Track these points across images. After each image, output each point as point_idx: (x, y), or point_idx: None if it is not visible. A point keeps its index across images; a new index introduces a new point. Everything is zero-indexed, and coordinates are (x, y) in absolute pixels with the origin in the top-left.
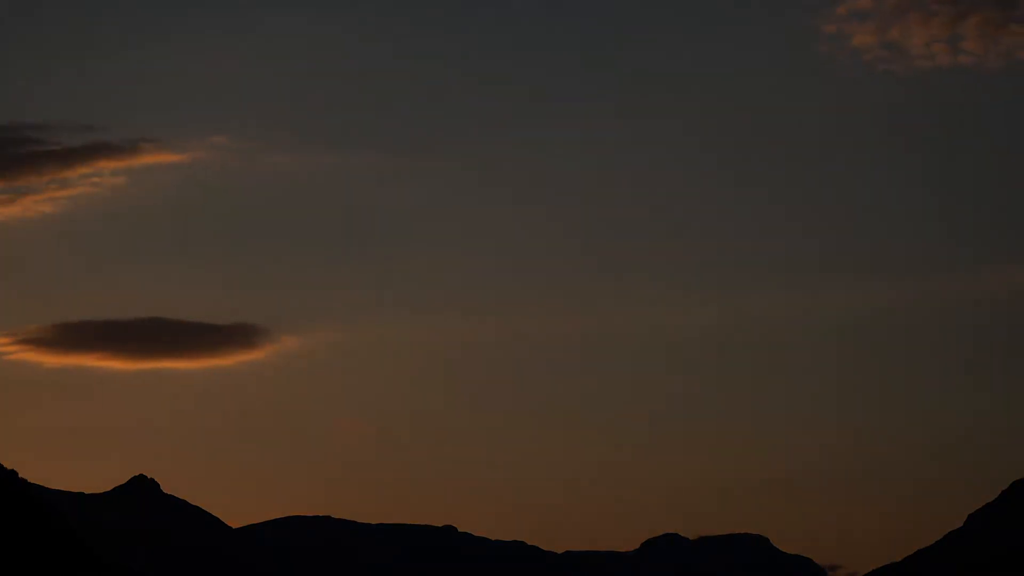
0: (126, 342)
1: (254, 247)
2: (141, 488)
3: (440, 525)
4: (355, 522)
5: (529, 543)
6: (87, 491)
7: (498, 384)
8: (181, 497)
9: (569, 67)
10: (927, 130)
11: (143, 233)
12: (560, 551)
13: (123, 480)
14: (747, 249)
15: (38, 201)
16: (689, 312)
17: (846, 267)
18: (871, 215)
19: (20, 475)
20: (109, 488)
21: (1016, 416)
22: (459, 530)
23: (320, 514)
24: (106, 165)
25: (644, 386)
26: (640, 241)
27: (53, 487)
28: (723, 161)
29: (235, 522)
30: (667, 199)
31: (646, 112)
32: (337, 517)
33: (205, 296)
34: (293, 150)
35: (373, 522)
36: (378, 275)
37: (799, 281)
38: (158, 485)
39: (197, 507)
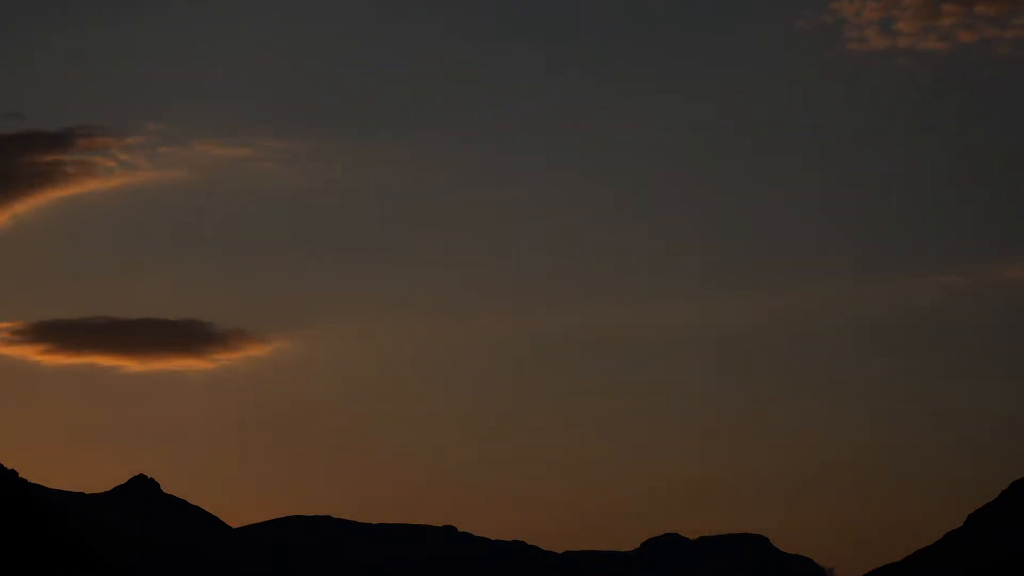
0: (124, 342)
1: (244, 246)
2: (141, 488)
3: (440, 525)
4: (355, 522)
5: (529, 543)
6: (87, 491)
7: (498, 384)
8: (181, 497)
9: (568, 61)
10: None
11: (148, 231)
12: (560, 551)
13: (123, 480)
14: (746, 249)
15: None
16: (689, 312)
17: (845, 268)
18: (866, 214)
19: (20, 475)
20: (109, 488)
21: (1016, 416)
22: (459, 530)
23: (320, 514)
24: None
25: (644, 386)
26: (639, 240)
27: (53, 487)
28: (712, 159)
29: (235, 522)
30: (659, 198)
31: (636, 108)
32: (337, 517)
33: (194, 296)
34: (244, 139)
35: (373, 522)
36: (373, 273)
37: (797, 282)
38: (158, 485)
39: (197, 507)
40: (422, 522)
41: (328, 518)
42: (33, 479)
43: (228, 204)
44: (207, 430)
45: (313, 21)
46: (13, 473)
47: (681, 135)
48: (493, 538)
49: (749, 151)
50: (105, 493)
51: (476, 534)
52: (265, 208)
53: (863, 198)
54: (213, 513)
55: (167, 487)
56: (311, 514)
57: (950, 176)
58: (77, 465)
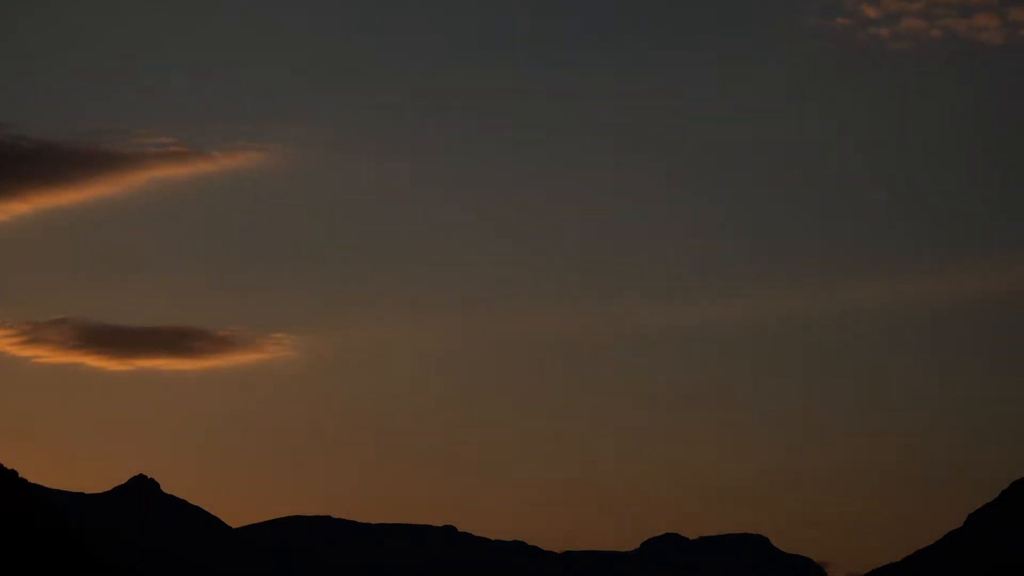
0: (125, 343)
1: (233, 248)
2: (141, 488)
3: (440, 525)
4: (355, 522)
5: (529, 543)
6: (87, 491)
7: (498, 384)
8: (181, 497)
9: (565, 63)
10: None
11: (155, 235)
12: (560, 551)
13: (123, 480)
14: (746, 248)
15: None
16: (689, 311)
17: (845, 266)
18: (864, 212)
19: (20, 475)
20: (109, 488)
21: (1016, 416)
22: (459, 530)
23: (320, 514)
24: None
25: (645, 385)
26: (637, 240)
27: (53, 487)
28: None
29: (235, 522)
30: (653, 199)
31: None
32: (337, 517)
33: (195, 297)
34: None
35: (373, 522)
36: (372, 274)
37: (798, 280)
38: (158, 485)
39: (197, 507)
40: (422, 522)
41: (328, 518)
42: (33, 479)
43: (216, 206)
44: (207, 430)
45: (315, 16)
46: (13, 473)
47: (679, 136)
48: (493, 538)
49: (739, 150)
50: (105, 493)
51: (476, 534)
52: (257, 209)
53: (860, 197)
54: (213, 513)
55: (167, 487)
56: (311, 514)
57: (955, 177)
58: (77, 465)
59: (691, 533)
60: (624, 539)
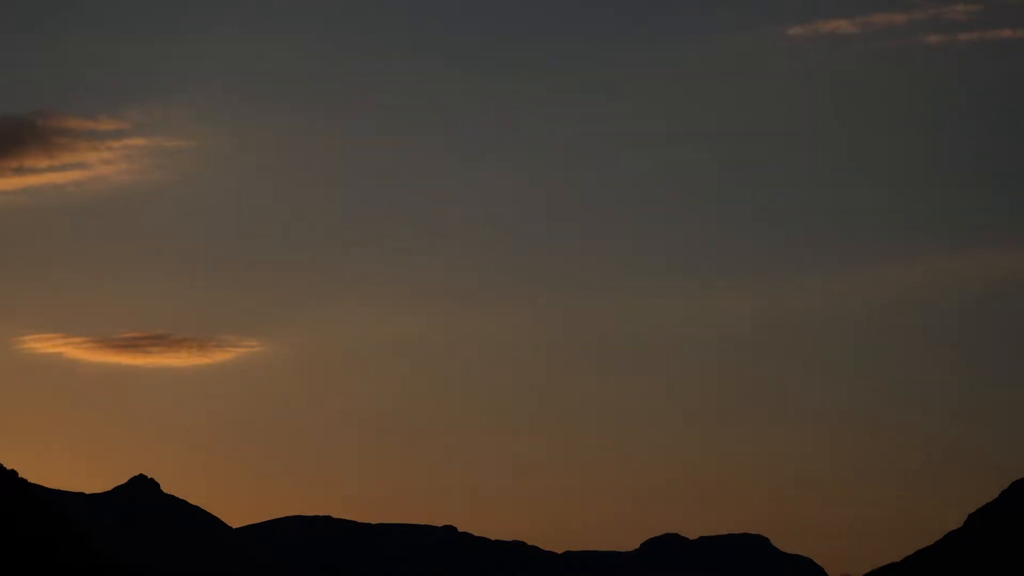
0: (124, 341)
1: (238, 242)
2: (141, 488)
3: (440, 525)
4: (355, 522)
5: (529, 543)
6: (87, 491)
7: (498, 384)
8: (181, 497)
9: (564, 51)
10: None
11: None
12: (560, 551)
13: (123, 480)
14: (743, 245)
15: None
16: (687, 310)
17: (841, 263)
18: (865, 207)
19: (20, 475)
20: (109, 488)
21: (1016, 416)
22: (459, 530)
23: (320, 514)
24: None
25: (644, 385)
26: (637, 239)
27: (53, 487)
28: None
29: (235, 522)
30: (649, 195)
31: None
32: (337, 517)
33: (193, 294)
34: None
35: (373, 522)
36: (372, 271)
37: (795, 278)
38: (158, 485)
39: (197, 507)
40: (422, 522)
41: (328, 518)
42: (33, 479)
43: (208, 201)
44: (207, 430)
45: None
46: (13, 473)
47: (681, 134)
48: (493, 538)
49: (739, 150)
50: (105, 493)
51: (476, 534)
52: (254, 206)
53: (855, 190)
54: (213, 513)
55: (167, 487)
56: (311, 514)
57: (955, 167)
58: (77, 465)
59: (691, 533)
60: (624, 539)
